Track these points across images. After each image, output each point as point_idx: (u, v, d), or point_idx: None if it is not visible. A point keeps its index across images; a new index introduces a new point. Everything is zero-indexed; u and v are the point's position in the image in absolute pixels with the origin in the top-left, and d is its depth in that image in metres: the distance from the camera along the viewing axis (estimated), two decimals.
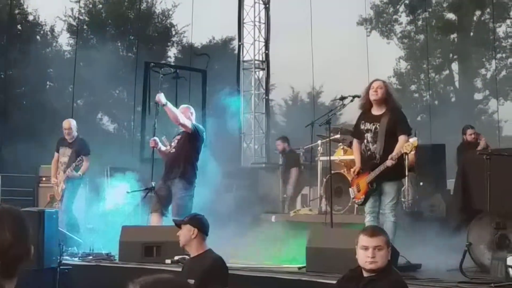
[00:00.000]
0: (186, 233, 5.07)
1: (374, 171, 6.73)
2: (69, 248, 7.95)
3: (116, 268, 7.14)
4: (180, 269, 5.67)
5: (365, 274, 4.16)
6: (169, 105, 8.01)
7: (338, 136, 10.16)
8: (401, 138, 6.66)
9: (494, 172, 6.75)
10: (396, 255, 6.25)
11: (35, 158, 12.54)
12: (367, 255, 4.09)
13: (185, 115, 8.27)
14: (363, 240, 4.13)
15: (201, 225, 5.10)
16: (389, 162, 6.56)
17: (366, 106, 6.95)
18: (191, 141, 8.20)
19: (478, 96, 23.33)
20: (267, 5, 15.89)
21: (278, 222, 10.46)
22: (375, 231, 4.27)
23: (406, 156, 8.44)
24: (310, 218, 10.13)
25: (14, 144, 14.46)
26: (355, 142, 7.14)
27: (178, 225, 5.22)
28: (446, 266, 6.51)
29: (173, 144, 8.30)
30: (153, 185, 8.12)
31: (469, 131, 10.87)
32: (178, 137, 8.32)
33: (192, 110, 8.51)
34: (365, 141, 6.90)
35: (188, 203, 8.08)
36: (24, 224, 2.17)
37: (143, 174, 11.69)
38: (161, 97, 7.99)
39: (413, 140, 6.59)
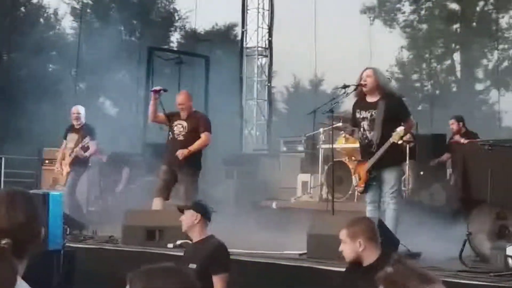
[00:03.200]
0: (189, 218, 5.12)
1: (370, 160, 6.78)
2: (73, 231, 8.03)
3: (119, 252, 7.20)
4: (182, 254, 5.73)
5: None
6: (192, 149, 8.16)
7: (340, 124, 10.18)
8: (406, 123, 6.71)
9: (494, 163, 6.79)
10: (396, 244, 6.32)
11: (38, 141, 12.57)
12: None
13: (188, 103, 8.37)
14: None
15: (204, 211, 5.16)
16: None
17: (361, 93, 6.99)
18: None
19: (479, 87, 23.31)
20: None
21: (279, 209, 10.54)
22: (345, 226, 4.33)
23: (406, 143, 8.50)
24: (311, 205, 10.20)
25: (17, 127, 14.50)
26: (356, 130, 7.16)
27: (181, 210, 5.27)
28: (446, 255, 6.55)
29: (176, 130, 8.34)
30: None
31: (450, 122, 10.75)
32: (182, 122, 8.36)
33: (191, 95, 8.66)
34: (362, 129, 6.92)
35: (197, 187, 8.29)
36: (35, 205, 2.21)
37: (146, 159, 11.77)
38: (181, 154, 8.11)
39: (399, 130, 6.50)
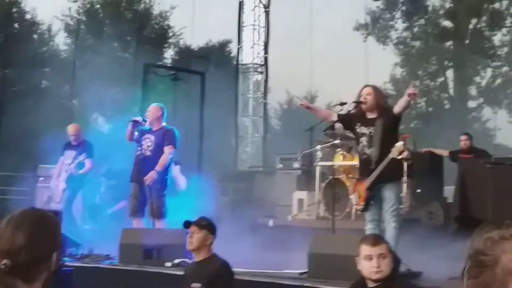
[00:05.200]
0: (203, 238, 4.99)
1: (370, 176, 6.74)
2: (69, 249, 7.94)
3: (116, 271, 7.12)
4: (181, 273, 5.64)
5: (370, 285, 4.06)
6: (158, 169, 8.11)
7: (337, 141, 10.16)
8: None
9: (495, 181, 6.77)
10: (398, 263, 6.25)
11: (33, 158, 12.47)
12: (372, 265, 3.97)
13: (155, 115, 8.32)
14: (366, 249, 4.01)
15: (215, 231, 5.08)
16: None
17: (360, 110, 6.97)
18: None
19: (472, 104, 23.43)
20: (267, 9, 15.92)
21: (276, 227, 10.46)
22: (377, 239, 4.17)
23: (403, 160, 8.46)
24: (307, 223, 10.12)
25: (11, 143, 14.39)
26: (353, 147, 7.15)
27: (188, 226, 5.13)
28: (447, 274, 6.49)
29: (144, 145, 8.29)
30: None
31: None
32: (150, 136, 8.31)
33: (163, 109, 8.53)
34: (361, 145, 6.89)
35: (166, 202, 8.29)
36: (45, 228, 2.13)
37: None
38: (150, 177, 8.08)
39: (399, 145, 6.50)
